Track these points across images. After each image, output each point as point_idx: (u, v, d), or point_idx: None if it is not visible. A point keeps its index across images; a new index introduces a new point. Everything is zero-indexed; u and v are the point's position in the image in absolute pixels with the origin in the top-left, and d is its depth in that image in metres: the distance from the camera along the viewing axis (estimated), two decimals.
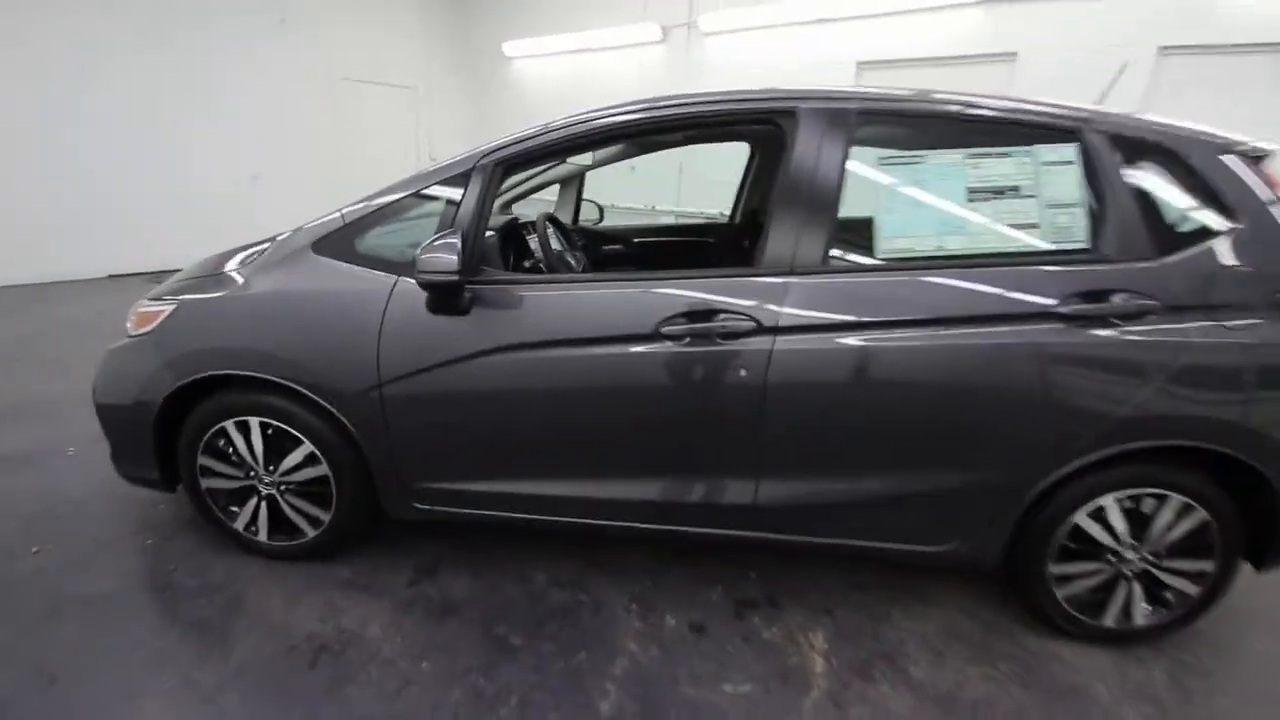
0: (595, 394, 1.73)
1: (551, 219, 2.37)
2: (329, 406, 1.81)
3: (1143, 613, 1.77)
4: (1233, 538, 1.68)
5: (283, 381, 1.81)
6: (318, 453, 1.88)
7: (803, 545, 1.85)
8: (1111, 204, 1.62)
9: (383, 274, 1.79)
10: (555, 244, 2.23)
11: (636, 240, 3.27)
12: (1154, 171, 1.64)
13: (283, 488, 1.97)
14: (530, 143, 1.77)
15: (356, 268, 1.82)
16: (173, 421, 1.94)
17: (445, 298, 1.69)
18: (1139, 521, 1.70)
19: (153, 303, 1.98)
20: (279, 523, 2.02)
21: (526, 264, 2.13)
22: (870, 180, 1.70)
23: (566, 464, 1.82)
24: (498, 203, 3.09)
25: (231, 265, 2.01)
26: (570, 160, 2.92)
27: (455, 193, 1.78)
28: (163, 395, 1.88)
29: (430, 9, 8.06)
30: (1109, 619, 1.79)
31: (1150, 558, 1.72)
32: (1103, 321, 1.57)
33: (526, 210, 3.27)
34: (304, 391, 1.81)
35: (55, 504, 2.35)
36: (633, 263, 3.28)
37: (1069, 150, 1.67)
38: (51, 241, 5.59)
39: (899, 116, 1.75)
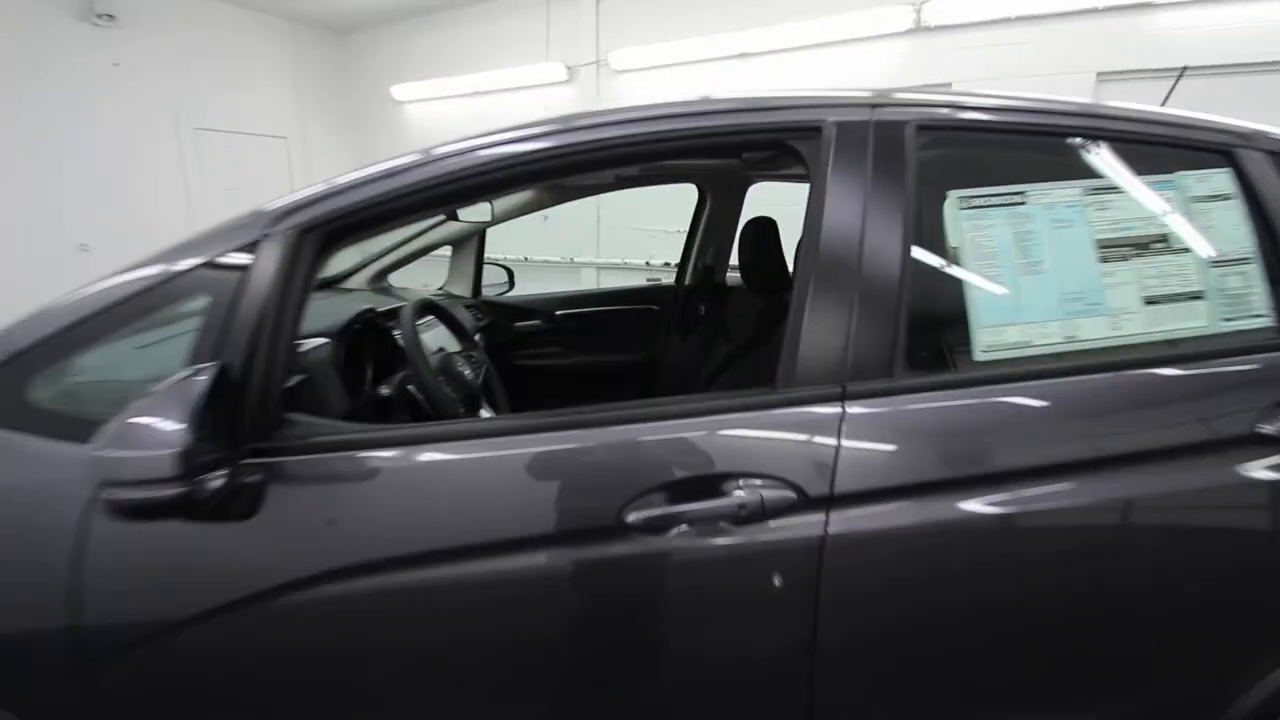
0: (511, 647, 0.95)
1: (430, 306, 1.59)
2: None
3: None
4: None
5: None
6: None
7: None
8: None
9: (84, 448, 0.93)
10: (432, 352, 1.44)
11: (560, 313, 2.52)
12: None
13: None
14: (362, 193, 0.98)
15: (29, 438, 0.95)
16: None
17: (181, 509, 0.84)
18: None
19: None
20: None
21: (386, 390, 1.32)
22: (952, 232, 1.04)
23: None
24: (365, 274, 2.28)
25: None
26: (464, 216, 2.16)
27: (226, 282, 0.97)
28: None
29: (302, 49, 7.16)
30: None
31: None
32: None
33: (408, 281, 2.47)
34: None
35: None
36: (558, 344, 2.52)
37: (1223, 179, 1.09)
38: None
39: (984, 131, 1.11)
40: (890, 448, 0.95)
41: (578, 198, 2.29)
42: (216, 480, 0.81)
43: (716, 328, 2.27)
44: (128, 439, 0.75)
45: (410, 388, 1.27)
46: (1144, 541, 0.97)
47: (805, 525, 0.91)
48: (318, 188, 1.00)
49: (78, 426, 0.91)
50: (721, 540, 0.91)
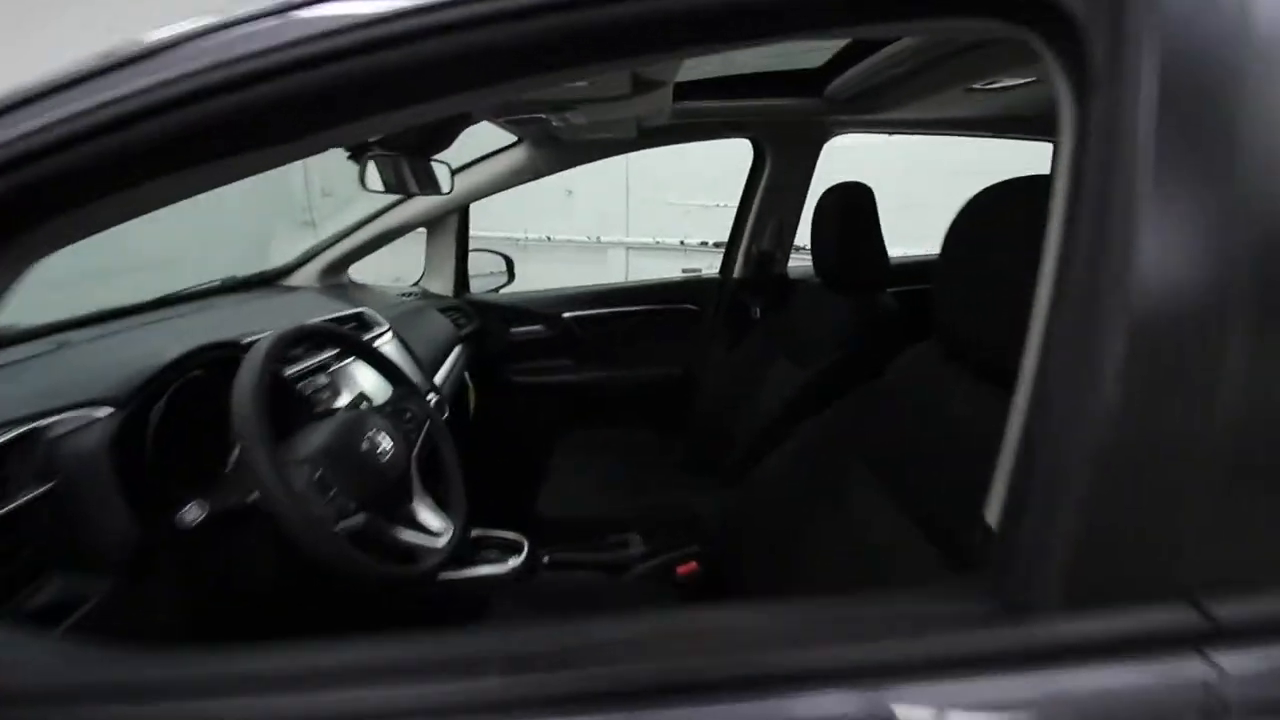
0: None
1: (323, 335, 0.99)
2: None
3: None
4: None
5: None
6: None
7: None
8: None
9: None
10: (320, 415, 0.85)
11: (569, 315, 1.92)
12: None
13: None
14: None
15: None
16: None
17: None
18: None
19: None
20: None
21: (195, 515, 0.71)
22: None
23: None
24: (315, 266, 1.72)
25: None
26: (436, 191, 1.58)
27: None
28: None
29: None
30: None
31: None
32: None
33: (376, 275, 1.90)
34: None
35: None
36: (567, 355, 1.93)
37: None
38: None
39: None
40: None
41: (590, 159, 1.68)
42: None
43: (777, 338, 1.65)
44: None
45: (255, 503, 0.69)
46: None
47: None
48: None
49: None
50: None
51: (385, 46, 0.39)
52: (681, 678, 0.41)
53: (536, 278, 2.28)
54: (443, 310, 1.73)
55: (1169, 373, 0.38)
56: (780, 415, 1.39)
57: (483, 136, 1.60)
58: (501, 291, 2.03)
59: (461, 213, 1.82)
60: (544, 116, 1.22)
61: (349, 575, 0.68)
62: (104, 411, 0.68)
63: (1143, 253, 0.37)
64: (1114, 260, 0.38)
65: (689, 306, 1.96)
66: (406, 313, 1.58)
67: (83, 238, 0.46)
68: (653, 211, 5.18)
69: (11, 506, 0.60)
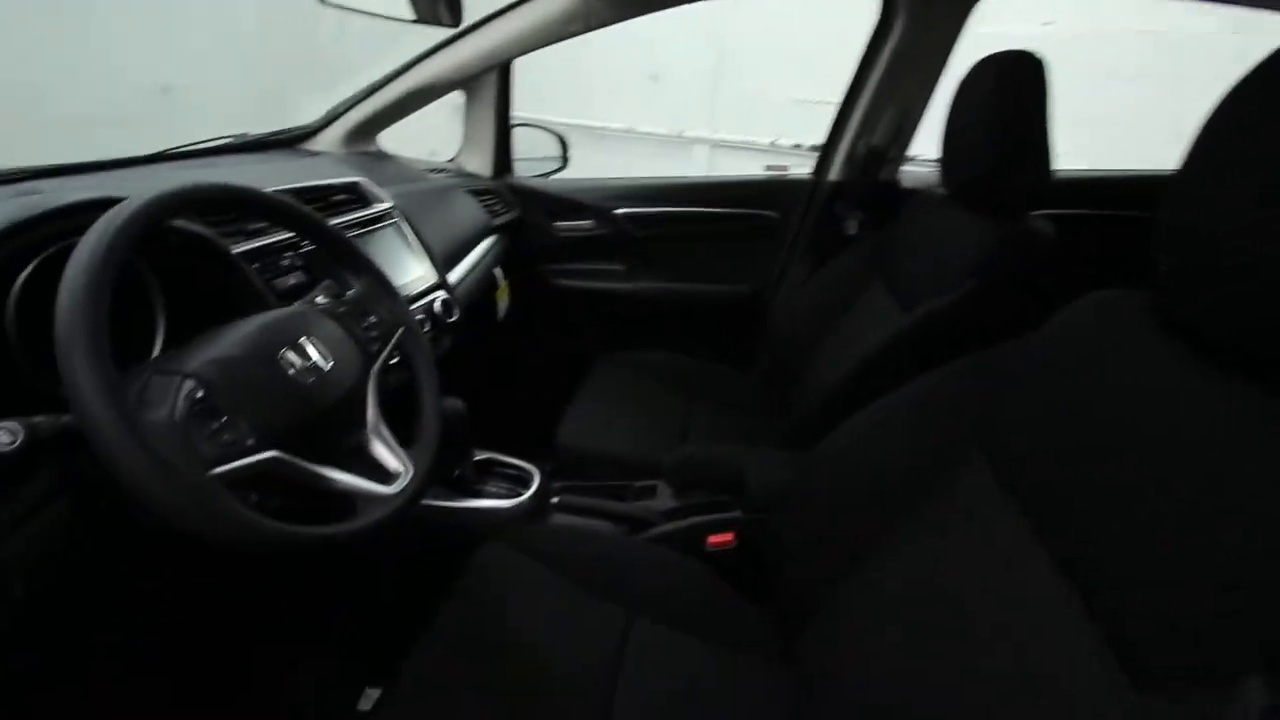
0: None
1: (223, 197, 0.64)
2: None
3: None
4: None
5: None
6: None
7: None
8: None
9: None
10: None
11: (621, 213, 1.62)
12: None
13: None
14: None
15: None
16: None
17: None
18: None
19: None
20: None
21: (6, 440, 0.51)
22: None
23: None
24: (338, 129, 1.48)
25: None
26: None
27: None
28: None
29: None
30: None
31: None
32: None
33: (409, 145, 1.66)
34: None
35: None
36: (618, 259, 1.66)
37: None
38: None
39: None
40: None
41: (663, 5, 1.29)
42: None
43: (878, 262, 1.31)
44: None
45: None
46: None
47: None
48: None
49: None
50: None
51: None
52: None
53: (608, 171, 1.96)
54: (475, 193, 1.47)
55: None
56: (871, 363, 1.09)
57: None
58: (554, 178, 1.76)
59: (502, 74, 1.51)
60: None
61: (223, 541, 0.48)
62: None
63: None
64: None
65: (767, 213, 1.61)
66: (427, 191, 1.33)
67: None
68: (745, 105, 4.62)
69: None
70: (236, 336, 0.59)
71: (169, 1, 3.72)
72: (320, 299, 0.74)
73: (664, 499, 1.05)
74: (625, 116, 5.00)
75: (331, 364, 0.64)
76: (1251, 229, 0.40)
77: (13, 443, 0.45)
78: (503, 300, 1.50)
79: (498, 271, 1.45)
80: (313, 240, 0.76)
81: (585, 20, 1.25)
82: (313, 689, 1.06)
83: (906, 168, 1.54)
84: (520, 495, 1.07)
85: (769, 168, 3.47)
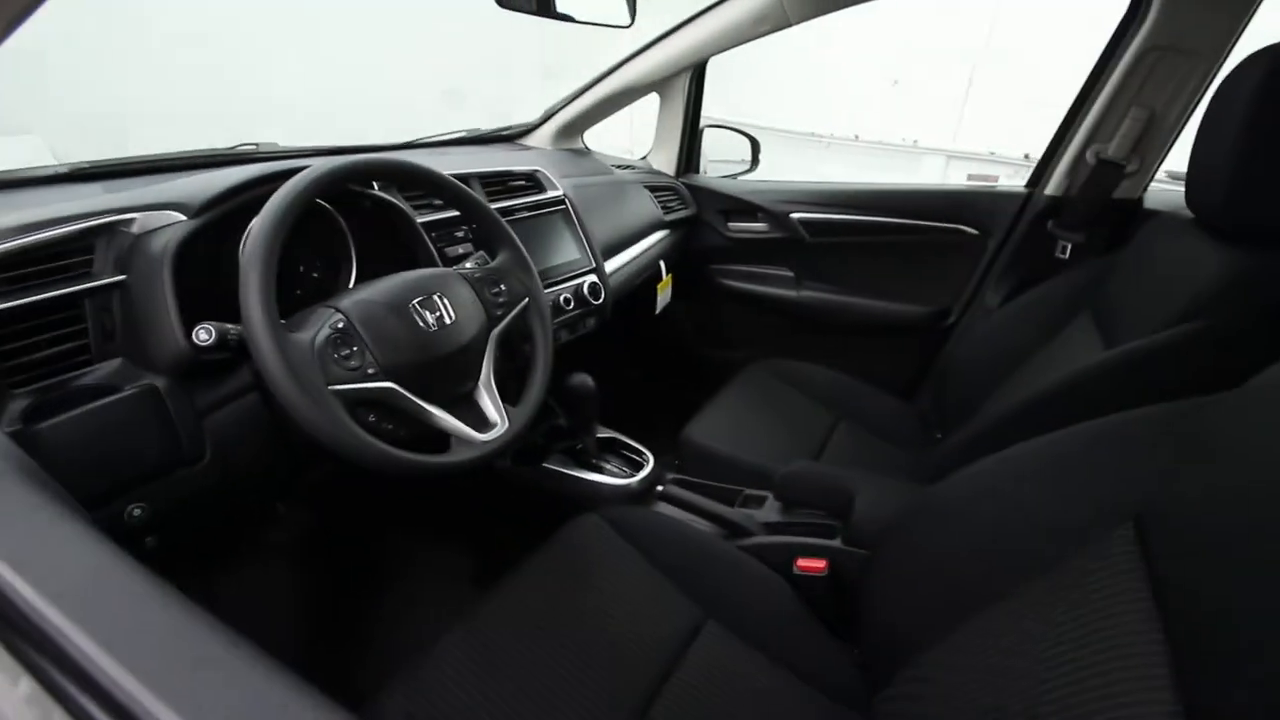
0: None
1: (375, 168, 0.76)
2: None
3: None
4: None
5: None
6: None
7: None
8: None
9: None
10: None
11: (797, 217, 1.56)
12: None
13: None
14: None
15: None
16: None
17: None
18: None
19: None
20: None
21: (205, 337, 0.61)
22: None
23: None
24: (548, 129, 1.67)
25: None
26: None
27: None
28: None
29: None
30: None
31: None
32: None
33: (608, 144, 1.79)
34: None
35: None
36: (788, 265, 1.61)
37: None
38: None
39: None
40: None
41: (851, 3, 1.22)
42: None
43: (1088, 293, 1.10)
44: None
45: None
46: None
47: None
48: None
49: None
50: None
51: None
52: None
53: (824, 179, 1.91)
54: (654, 189, 1.55)
55: None
56: (1038, 404, 0.93)
57: None
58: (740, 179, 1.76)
59: (694, 77, 1.56)
60: None
61: (328, 444, 0.60)
62: (180, 217, 0.68)
63: None
64: None
65: (966, 229, 1.43)
66: (606, 184, 1.43)
67: None
68: (998, 114, 4.11)
69: (85, 287, 0.64)
70: (385, 285, 0.72)
71: (464, 21, 4.46)
72: (469, 264, 0.86)
73: (769, 511, 1.01)
74: (855, 124, 4.77)
75: (455, 320, 0.74)
76: None
77: (209, 339, 0.61)
78: (664, 293, 1.56)
79: (662, 265, 1.51)
80: (462, 212, 0.88)
81: (780, 17, 1.23)
82: (431, 586, 1.22)
83: (1159, 185, 1.25)
84: (631, 477, 1.12)
85: (971, 177, 3.03)
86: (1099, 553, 0.56)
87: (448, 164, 1.01)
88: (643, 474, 1.11)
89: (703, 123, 1.68)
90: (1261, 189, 0.78)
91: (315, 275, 0.85)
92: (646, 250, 1.44)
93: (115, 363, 0.66)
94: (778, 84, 4.57)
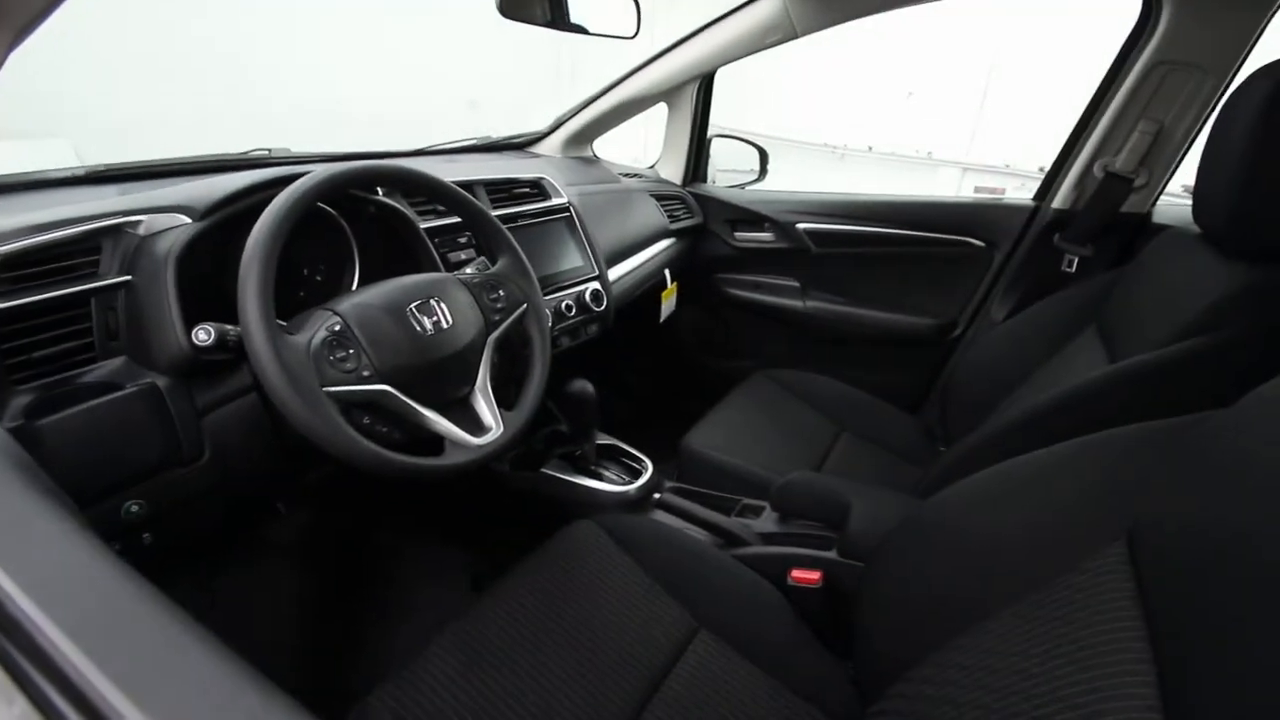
0: None
1: (376, 175, 0.77)
2: None
3: None
4: None
5: None
6: None
7: None
8: None
9: None
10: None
11: (803, 228, 1.56)
12: None
13: None
14: None
15: None
16: None
17: None
18: None
19: None
20: None
21: (204, 337, 0.62)
22: None
23: None
24: (558, 137, 1.69)
25: None
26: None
27: None
28: None
29: None
30: None
31: None
32: None
33: (617, 153, 1.80)
34: None
35: None
36: (794, 275, 1.61)
37: None
38: None
39: None
40: None
41: (876, 9, 1.21)
42: None
43: (1093, 308, 1.09)
44: None
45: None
46: None
47: None
48: None
49: None
50: None
51: None
52: None
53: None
54: (660, 198, 1.55)
55: None
56: (1039, 418, 0.92)
57: None
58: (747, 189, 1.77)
59: (703, 86, 1.57)
60: None
61: (320, 444, 0.60)
62: (186, 220, 0.70)
63: None
64: None
65: (973, 241, 1.42)
66: (612, 192, 1.44)
67: None
68: (1012, 126, 4.08)
69: (91, 286, 0.65)
70: (383, 289, 0.73)
71: (484, 35, 4.52)
72: (469, 270, 0.87)
73: (766, 521, 1.01)
74: (869, 135, 4.76)
75: (451, 324, 0.75)
76: None
77: (209, 339, 0.62)
78: (668, 301, 1.56)
79: (667, 273, 1.51)
80: (463, 218, 0.89)
81: (788, 28, 1.24)
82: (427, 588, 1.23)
83: (1168, 199, 1.24)
84: (629, 484, 1.12)
85: (979, 189, 3.01)
86: (1091, 569, 0.55)
87: (455, 171, 1.02)
88: (641, 481, 1.11)
89: (711, 132, 1.69)
90: (1268, 205, 0.77)
91: (319, 278, 0.87)
92: (651, 258, 1.45)
93: (118, 361, 0.67)
94: (792, 95, 4.58)
